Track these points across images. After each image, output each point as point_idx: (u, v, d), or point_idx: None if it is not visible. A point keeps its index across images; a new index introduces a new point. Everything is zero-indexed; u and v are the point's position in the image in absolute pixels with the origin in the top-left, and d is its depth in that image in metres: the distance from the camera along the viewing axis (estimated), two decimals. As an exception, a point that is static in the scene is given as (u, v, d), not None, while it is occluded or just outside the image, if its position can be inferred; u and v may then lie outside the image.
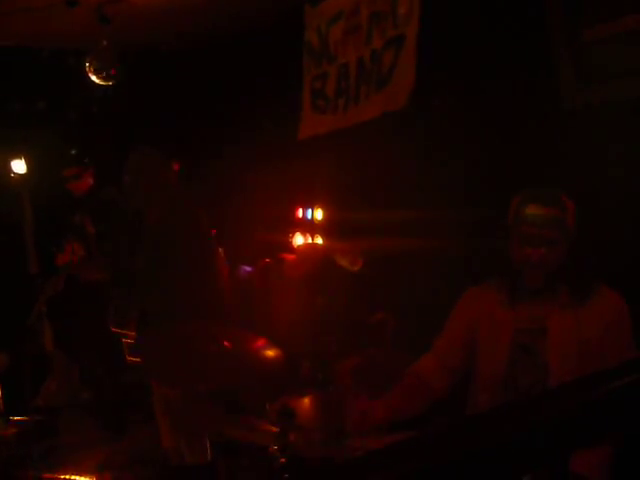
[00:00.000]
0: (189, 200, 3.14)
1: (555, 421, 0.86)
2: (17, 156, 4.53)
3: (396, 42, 3.07)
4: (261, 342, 2.38)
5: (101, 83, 4.23)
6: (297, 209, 4.04)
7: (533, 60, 2.53)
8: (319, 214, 3.96)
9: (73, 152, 4.25)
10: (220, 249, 3.35)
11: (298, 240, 4.00)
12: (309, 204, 3.98)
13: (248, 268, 4.12)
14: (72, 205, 3.97)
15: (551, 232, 1.89)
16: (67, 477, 2.99)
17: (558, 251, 1.91)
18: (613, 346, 1.88)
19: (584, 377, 0.91)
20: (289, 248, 4.00)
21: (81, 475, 3.01)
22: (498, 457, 0.80)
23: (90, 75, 4.18)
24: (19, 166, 4.53)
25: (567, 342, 1.91)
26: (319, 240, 3.93)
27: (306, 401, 2.42)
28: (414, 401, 2.09)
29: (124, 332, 3.13)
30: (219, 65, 4.88)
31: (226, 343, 2.26)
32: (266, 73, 4.40)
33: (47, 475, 3.01)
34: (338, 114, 3.57)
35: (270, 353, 2.32)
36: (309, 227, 3.96)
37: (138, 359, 3.08)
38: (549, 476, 1.41)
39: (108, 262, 3.40)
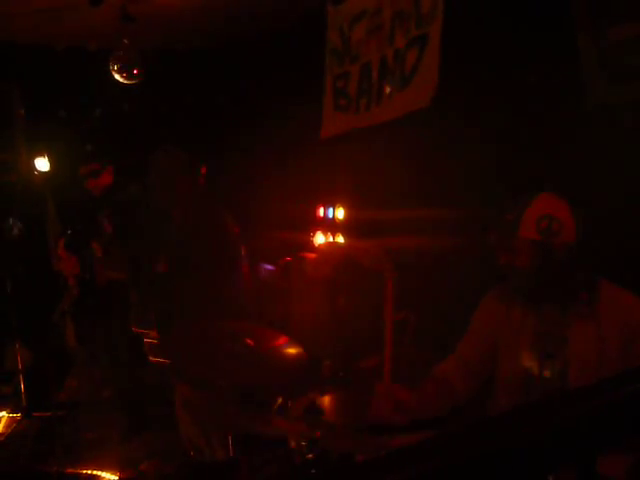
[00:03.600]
0: (215, 201, 3.15)
1: (582, 421, 0.85)
2: (40, 154, 4.57)
3: (419, 41, 3.06)
4: (283, 340, 2.39)
5: (124, 82, 4.26)
6: (318, 208, 4.05)
7: (557, 58, 2.51)
8: (340, 213, 3.96)
9: (90, 148, 4.25)
10: (243, 248, 3.36)
11: (319, 239, 4.01)
12: (330, 203, 3.98)
13: (269, 267, 4.14)
14: (95, 203, 3.99)
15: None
16: (89, 472, 3.02)
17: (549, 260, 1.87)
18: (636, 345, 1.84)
19: (612, 377, 0.89)
20: (310, 247, 4.01)
21: (103, 470, 3.04)
22: (523, 457, 0.80)
23: (114, 74, 4.22)
24: (42, 164, 4.58)
25: (588, 352, 1.87)
26: (340, 239, 3.93)
27: (327, 399, 2.42)
28: (439, 401, 2.07)
29: (145, 332, 3.14)
30: (241, 64, 4.91)
31: (249, 341, 2.27)
32: (288, 72, 4.41)
33: (70, 470, 3.05)
34: (360, 114, 3.57)
35: (292, 351, 2.33)
36: (330, 226, 3.96)
37: (160, 358, 3.10)
38: (575, 477, 1.39)
39: (125, 262, 3.40)
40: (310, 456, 1.47)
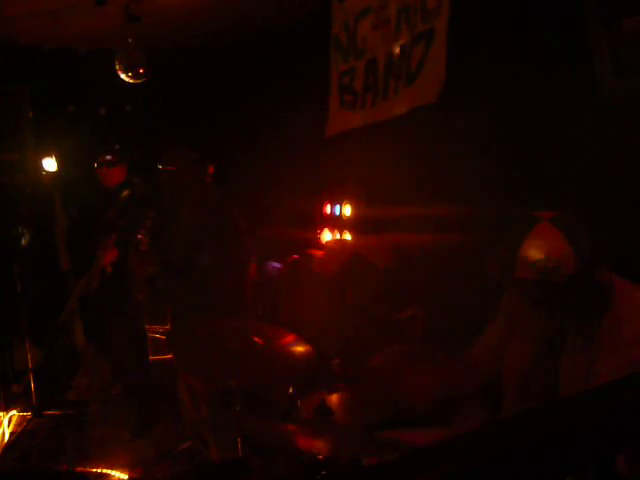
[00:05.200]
0: (223, 199, 3.16)
1: (602, 420, 0.84)
2: (48, 155, 4.59)
3: (426, 36, 3.03)
4: (291, 338, 2.39)
5: (131, 81, 4.27)
6: (326, 205, 4.04)
7: (567, 54, 2.48)
8: (348, 210, 3.95)
9: (111, 142, 4.29)
10: (250, 245, 3.36)
11: (327, 236, 4.00)
12: (338, 200, 3.98)
13: (276, 264, 4.13)
14: (104, 201, 4.00)
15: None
16: (99, 471, 3.04)
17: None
18: None
19: (632, 375, 0.88)
20: (318, 244, 4.00)
21: (113, 469, 3.06)
22: (543, 456, 0.79)
23: (120, 73, 4.23)
24: (50, 164, 4.60)
25: (578, 364, 1.86)
26: (348, 236, 3.92)
27: (337, 398, 2.41)
28: (464, 380, 2.10)
29: (156, 328, 3.15)
30: (248, 62, 4.90)
31: (256, 339, 2.27)
32: (294, 69, 4.40)
33: (80, 468, 3.06)
34: (366, 110, 3.55)
35: (300, 349, 2.32)
36: (338, 223, 3.96)
37: (163, 356, 3.11)
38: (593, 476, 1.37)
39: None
40: (320, 457, 1.47)
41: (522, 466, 0.77)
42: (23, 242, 4.46)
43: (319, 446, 1.53)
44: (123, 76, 4.27)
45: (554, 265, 1.77)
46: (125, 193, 3.91)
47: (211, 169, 3.13)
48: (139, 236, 3.39)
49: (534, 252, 1.78)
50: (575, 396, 1.03)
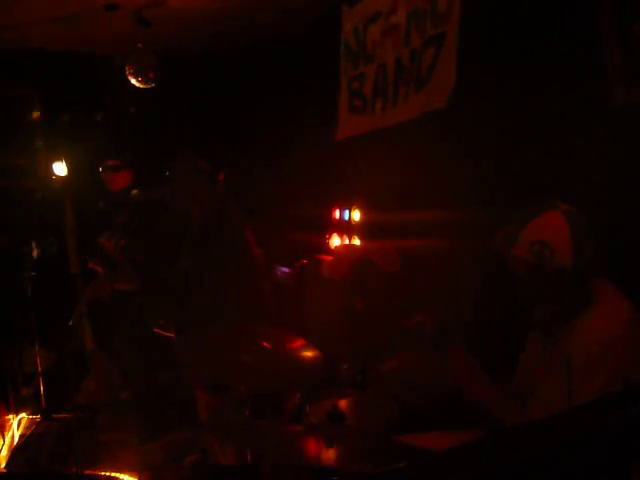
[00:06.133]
0: (233, 205, 3.15)
1: (618, 429, 0.83)
2: (58, 159, 4.61)
3: (436, 41, 3.03)
4: (299, 343, 2.38)
5: (141, 86, 4.29)
6: (334, 210, 4.04)
7: (579, 55, 2.46)
8: (356, 215, 3.94)
9: (118, 145, 4.31)
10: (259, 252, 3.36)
11: (335, 241, 4.00)
12: (346, 205, 3.97)
13: (285, 269, 4.13)
14: (114, 206, 4.02)
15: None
16: (108, 474, 3.04)
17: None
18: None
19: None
20: (326, 249, 4.00)
21: (122, 473, 3.06)
22: (559, 465, 0.78)
23: (130, 78, 4.25)
24: (60, 168, 4.62)
25: (541, 362, 1.89)
26: (356, 241, 3.92)
27: (346, 403, 2.41)
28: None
29: (166, 334, 3.15)
30: (257, 67, 4.91)
31: (265, 344, 2.27)
32: (303, 74, 4.41)
33: (89, 472, 3.06)
34: (376, 115, 3.55)
35: (309, 354, 2.32)
36: (346, 228, 3.95)
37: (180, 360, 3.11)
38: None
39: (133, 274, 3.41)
40: (330, 463, 1.46)
41: (537, 476, 0.77)
42: (33, 246, 4.48)
43: (329, 452, 1.53)
44: (133, 80, 4.29)
45: (550, 253, 1.80)
46: (135, 197, 3.92)
47: (222, 177, 3.13)
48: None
49: (537, 234, 1.83)
50: (589, 405, 1.03)
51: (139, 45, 4.19)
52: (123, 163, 4.05)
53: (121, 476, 3.03)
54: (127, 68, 4.25)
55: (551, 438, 0.79)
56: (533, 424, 0.90)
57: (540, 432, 0.83)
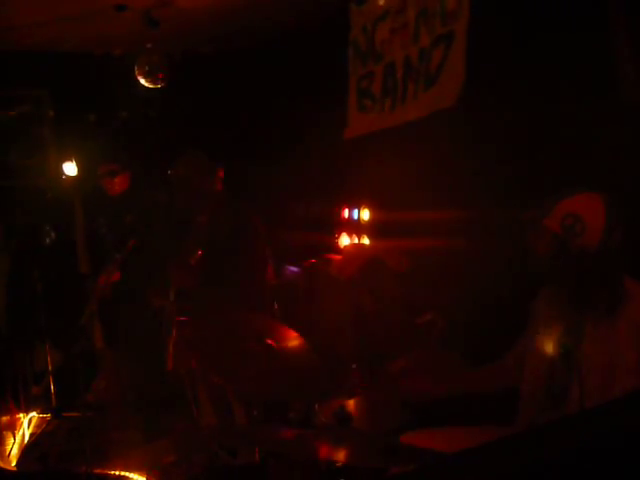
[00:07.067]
0: (240, 202, 3.17)
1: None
2: (69, 159, 4.63)
3: (445, 39, 3.02)
4: (302, 342, 2.39)
5: (150, 86, 4.30)
6: (343, 209, 4.03)
7: (591, 54, 2.45)
8: (366, 214, 3.94)
9: (112, 150, 4.29)
10: (267, 249, 3.37)
11: (344, 240, 3.99)
12: (355, 204, 3.96)
13: (294, 269, 4.12)
14: (116, 207, 4.03)
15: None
16: (117, 473, 3.05)
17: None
18: None
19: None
20: (335, 249, 3.99)
21: (131, 471, 3.07)
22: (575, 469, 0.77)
23: (139, 78, 4.26)
24: (70, 169, 4.64)
25: (600, 354, 1.86)
26: (365, 240, 3.91)
27: (355, 404, 2.40)
28: (492, 378, 2.17)
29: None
30: (265, 66, 4.91)
31: (269, 341, 2.27)
32: (311, 73, 4.40)
33: (98, 470, 3.07)
34: (385, 114, 3.54)
35: (309, 353, 2.32)
36: (355, 227, 3.94)
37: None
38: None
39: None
40: (338, 464, 1.45)
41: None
42: (43, 245, 4.51)
43: (337, 453, 1.52)
44: (142, 81, 4.31)
45: (581, 228, 1.82)
46: (144, 199, 3.93)
47: (221, 173, 3.15)
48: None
49: (574, 207, 1.85)
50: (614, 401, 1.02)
51: (148, 45, 4.20)
52: (119, 167, 4.01)
53: (131, 475, 3.04)
54: (137, 68, 4.27)
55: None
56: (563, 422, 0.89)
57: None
